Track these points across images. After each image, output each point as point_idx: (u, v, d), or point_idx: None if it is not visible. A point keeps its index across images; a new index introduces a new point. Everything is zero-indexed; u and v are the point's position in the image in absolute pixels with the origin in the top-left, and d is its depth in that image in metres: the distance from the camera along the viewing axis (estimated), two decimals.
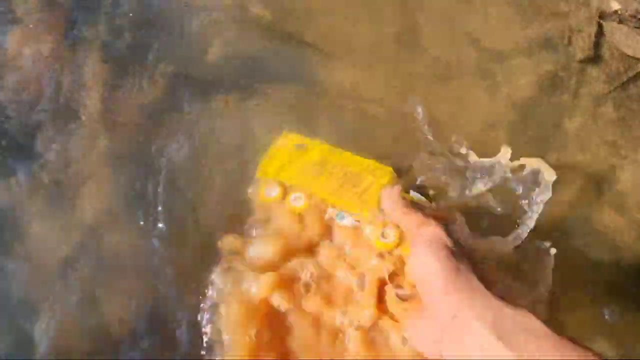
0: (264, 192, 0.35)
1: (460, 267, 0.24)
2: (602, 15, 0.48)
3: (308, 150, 0.37)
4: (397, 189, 0.31)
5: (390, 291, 0.29)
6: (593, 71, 0.47)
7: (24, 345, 0.39)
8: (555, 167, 0.44)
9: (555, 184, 0.44)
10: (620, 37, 0.47)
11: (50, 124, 0.47)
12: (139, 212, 0.42)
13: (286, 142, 0.38)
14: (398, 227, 0.30)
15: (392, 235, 0.30)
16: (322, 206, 0.34)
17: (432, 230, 0.27)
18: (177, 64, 0.48)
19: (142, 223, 0.42)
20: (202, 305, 0.32)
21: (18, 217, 0.44)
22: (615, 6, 0.49)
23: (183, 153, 0.45)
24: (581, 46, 0.47)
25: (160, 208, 0.43)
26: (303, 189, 0.35)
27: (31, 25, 0.49)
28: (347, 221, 0.33)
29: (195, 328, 0.33)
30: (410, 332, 0.27)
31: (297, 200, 0.34)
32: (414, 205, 0.31)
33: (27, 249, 0.43)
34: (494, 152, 0.45)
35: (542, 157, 0.44)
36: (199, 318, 0.32)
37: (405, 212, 0.29)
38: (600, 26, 0.48)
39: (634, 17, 0.48)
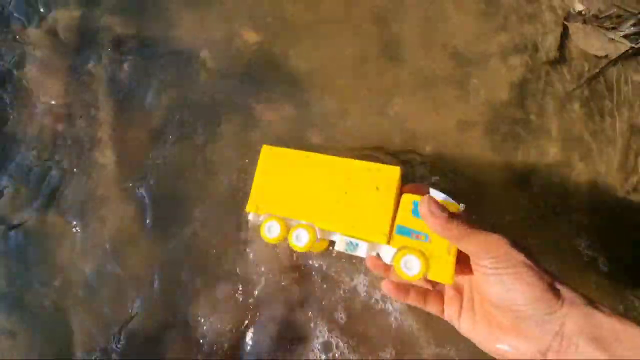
0: (264, 231, 0.33)
1: (550, 282, 0.25)
2: (567, 17, 0.52)
3: (297, 166, 0.34)
4: (429, 201, 0.29)
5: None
6: (560, 71, 0.51)
7: (61, 349, 0.46)
8: (526, 161, 0.49)
9: (530, 176, 0.49)
10: (584, 37, 0.51)
11: (66, 156, 0.52)
12: (152, 229, 0.48)
13: (270, 159, 0.35)
14: (422, 255, 0.29)
15: (416, 266, 0.29)
16: (328, 235, 0.33)
17: (506, 251, 0.26)
18: (177, 90, 0.53)
19: (153, 239, 0.48)
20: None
21: (45, 238, 0.50)
22: (580, 7, 0.52)
23: (188, 172, 0.50)
24: (548, 48, 0.51)
25: (170, 225, 0.49)
26: (303, 220, 0.33)
27: (45, 63, 0.54)
28: (361, 251, 0.31)
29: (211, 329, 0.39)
30: (507, 354, 0.27)
31: (300, 240, 0.32)
32: (457, 218, 0.28)
33: (57, 265, 0.49)
34: (470, 152, 0.50)
35: (515, 153, 0.49)
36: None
37: (462, 234, 0.27)
38: (565, 28, 0.51)
39: (597, 17, 0.52)
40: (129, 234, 0.49)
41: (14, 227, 0.50)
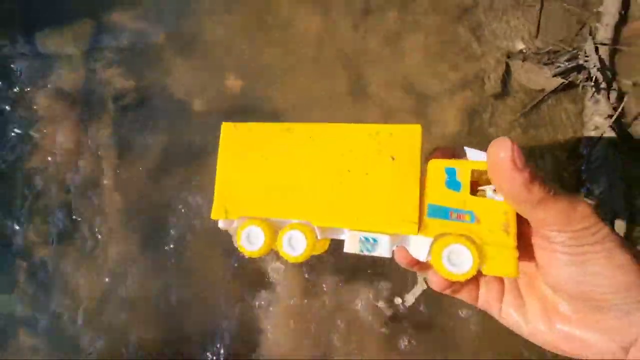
0: (241, 242, 0.24)
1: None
2: (509, 56, 0.59)
3: (274, 144, 0.24)
4: (509, 146, 0.19)
5: None
6: (503, 103, 0.58)
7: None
8: None
9: None
10: (524, 73, 0.58)
11: (75, 198, 0.61)
12: (153, 256, 0.56)
13: (234, 141, 0.26)
14: (472, 242, 0.21)
15: (466, 259, 0.21)
16: (333, 233, 0.24)
17: (594, 223, 0.20)
18: (170, 133, 0.62)
19: (154, 265, 0.56)
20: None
21: (57, 267, 0.59)
22: (520, 46, 0.60)
23: (185, 207, 0.59)
24: (492, 84, 0.58)
25: (169, 252, 0.57)
26: (294, 219, 0.23)
27: (54, 119, 0.63)
28: (383, 249, 0.22)
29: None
30: (587, 351, 0.21)
31: (295, 247, 0.23)
32: (538, 176, 0.20)
33: (67, 291, 0.58)
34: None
35: None
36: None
37: (543, 199, 0.20)
38: (508, 65, 0.59)
39: (536, 54, 0.59)
40: (133, 262, 0.58)
41: (32, 260, 0.59)
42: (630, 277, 0.19)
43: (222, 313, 0.55)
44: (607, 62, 0.57)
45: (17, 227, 0.60)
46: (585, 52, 0.57)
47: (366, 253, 0.22)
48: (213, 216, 0.26)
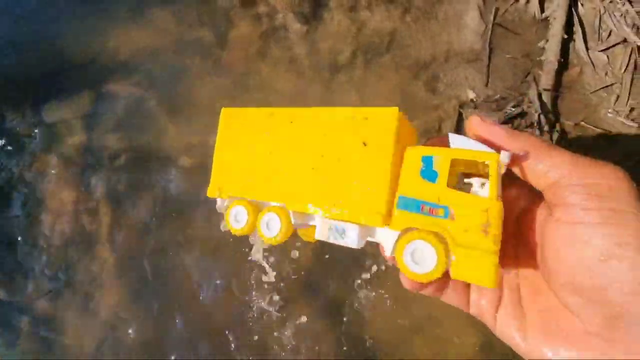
0: (229, 220, 0.25)
1: None
2: (461, 105, 0.66)
3: (261, 129, 0.25)
4: (474, 117, 0.18)
5: None
6: None
7: None
8: None
9: None
10: None
11: (74, 249, 0.66)
12: (147, 305, 0.60)
13: (231, 125, 0.27)
14: (440, 240, 0.18)
15: (429, 258, 0.19)
16: (307, 219, 0.24)
17: (627, 192, 0.15)
18: (160, 188, 0.68)
19: (146, 314, 0.60)
20: None
21: (55, 318, 0.63)
22: (471, 95, 0.67)
23: (173, 258, 0.63)
24: (448, 131, 0.65)
25: (164, 299, 0.61)
26: (272, 201, 0.24)
27: (58, 180, 0.70)
28: (350, 239, 0.21)
29: None
30: None
31: (271, 228, 0.23)
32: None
33: (65, 342, 0.61)
34: None
35: None
36: None
37: (542, 148, 0.17)
38: (460, 114, 0.65)
39: (486, 102, 0.66)
40: (128, 311, 0.62)
41: (33, 314, 0.63)
42: None
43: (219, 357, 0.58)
44: (549, 106, 0.64)
45: (20, 281, 0.65)
46: (529, 99, 0.64)
47: (334, 241, 0.21)
48: (208, 194, 0.27)
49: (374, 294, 0.61)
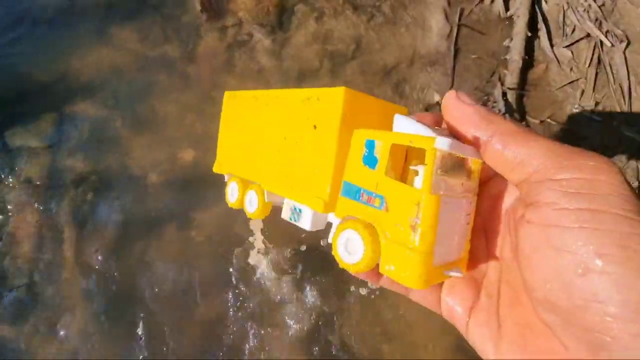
0: (227, 194, 0.28)
1: None
2: (427, 108, 0.66)
3: (251, 110, 0.26)
4: (450, 93, 0.17)
5: None
6: None
7: None
8: None
9: None
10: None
11: (38, 275, 0.65)
12: (116, 327, 0.59)
13: (231, 107, 0.28)
14: (369, 231, 0.17)
15: (357, 250, 0.18)
16: (277, 198, 0.24)
17: (616, 188, 0.13)
18: (128, 207, 0.67)
19: (117, 336, 0.59)
20: None
21: (20, 342, 0.61)
22: (437, 98, 0.66)
23: (147, 276, 0.62)
24: None
25: (133, 322, 0.60)
26: (254, 179, 0.25)
27: (22, 204, 0.69)
28: (304, 221, 0.21)
29: None
30: None
31: (252, 203, 0.25)
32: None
33: None
34: None
35: None
36: None
37: (518, 133, 0.15)
38: None
39: None
40: (96, 334, 0.60)
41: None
42: None
43: None
44: (514, 105, 0.63)
45: None
46: (494, 98, 0.63)
47: (293, 222, 0.22)
48: (214, 170, 0.29)
49: (345, 299, 0.60)
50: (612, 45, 0.67)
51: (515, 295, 0.17)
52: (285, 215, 0.22)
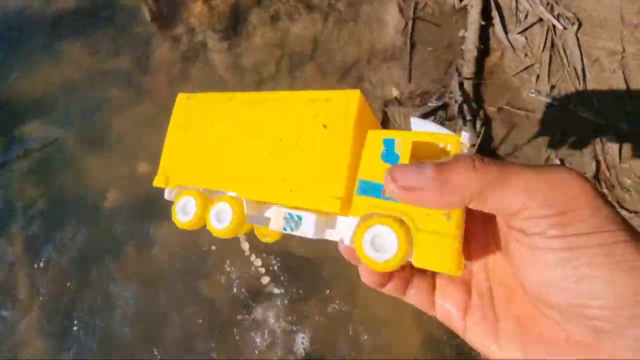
0: (176, 213, 0.23)
1: None
2: (386, 104, 0.65)
3: (218, 114, 0.24)
4: (393, 170, 0.17)
5: None
6: None
7: None
8: None
9: None
10: (402, 118, 0.63)
11: None
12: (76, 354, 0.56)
13: (186, 111, 0.25)
14: (402, 225, 0.18)
15: (391, 245, 0.18)
16: (262, 210, 0.22)
17: (588, 202, 0.14)
18: (85, 229, 0.64)
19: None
20: None
21: None
22: (395, 93, 0.66)
23: (105, 300, 0.60)
24: None
25: (92, 347, 0.57)
26: (226, 190, 0.22)
27: None
28: (307, 228, 0.20)
29: None
30: None
31: (221, 219, 0.22)
32: (464, 159, 0.16)
33: None
34: None
35: None
36: None
37: (490, 181, 0.15)
38: (385, 113, 0.64)
39: (410, 98, 0.65)
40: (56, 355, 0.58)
41: None
42: None
43: None
44: (471, 94, 0.63)
45: None
46: (451, 89, 0.63)
47: (290, 232, 0.20)
48: (154, 184, 0.25)
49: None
50: (565, 28, 0.68)
51: (510, 292, 0.18)
52: (277, 225, 0.20)
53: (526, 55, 0.68)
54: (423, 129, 0.19)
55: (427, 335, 0.52)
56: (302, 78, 0.71)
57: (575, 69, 0.65)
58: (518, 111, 0.62)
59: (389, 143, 0.19)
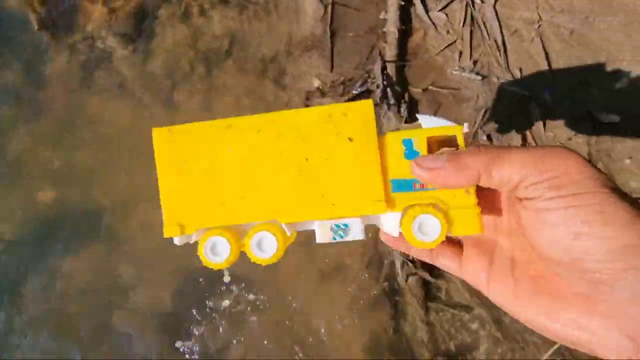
0: (206, 256, 0.22)
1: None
2: (308, 96, 0.61)
3: (219, 144, 0.23)
4: (418, 161, 0.21)
5: None
6: None
7: None
8: None
9: None
10: None
11: None
12: None
13: (171, 148, 0.23)
14: (438, 209, 0.21)
15: (435, 227, 0.21)
16: (301, 226, 0.23)
17: (576, 168, 0.17)
18: None
19: None
20: None
21: None
22: (317, 83, 0.61)
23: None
24: None
25: None
26: (259, 220, 0.22)
27: None
28: (356, 233, 0.22)
29: None
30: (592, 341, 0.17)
31: (265, 248, 0.22)
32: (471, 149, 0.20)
33: None
34: None
35: None
36: None
37: (492, 157, 0.18)
38: (307, 106, 0.60)
39: (332, 87, 0.61)
40: None
41: None
42: (631, 239, 0.15)
43: None
44: (395, 78, 0.60)
45: None
46: (374, 74, 0.60)
47: (339, 240, 0.22)
48: (166, 234, 0.23)
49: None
50: (483, 2, 0.66)
51: (528, 257, 0.20)
52: (325, 238, 0.22)
53: (448, 32, 0.66)
54: (431, 123, 0.22)
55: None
56: (220, 76, 0.66)
57: (495, 41, 0.63)
58: (443, 90, 0.60)
59: (408, 143, 0.22)
